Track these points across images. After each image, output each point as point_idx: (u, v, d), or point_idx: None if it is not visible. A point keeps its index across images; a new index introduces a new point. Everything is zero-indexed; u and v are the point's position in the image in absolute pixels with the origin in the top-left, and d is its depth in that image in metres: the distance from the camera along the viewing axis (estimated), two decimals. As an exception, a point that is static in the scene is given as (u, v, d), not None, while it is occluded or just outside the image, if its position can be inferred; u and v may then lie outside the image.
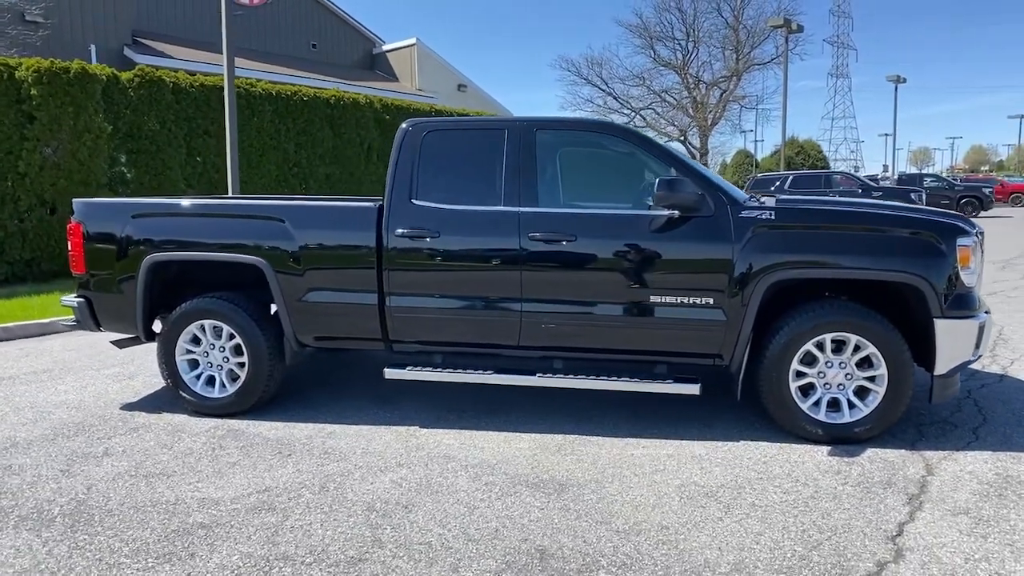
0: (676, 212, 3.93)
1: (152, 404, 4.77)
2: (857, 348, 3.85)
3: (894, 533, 2.94)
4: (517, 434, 4.12)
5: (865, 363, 3.88)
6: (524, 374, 4.22)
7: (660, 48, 36.15)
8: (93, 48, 18.12)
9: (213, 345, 4.48)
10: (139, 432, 4.23)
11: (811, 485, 3.40)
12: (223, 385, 4.48)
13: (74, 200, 4.69)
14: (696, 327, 3.96)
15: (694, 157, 31.72)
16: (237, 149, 10.37)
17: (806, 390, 3.96)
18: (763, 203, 4.05)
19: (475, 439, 4.06)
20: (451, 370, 4.27)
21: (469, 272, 4.15)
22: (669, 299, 3.95)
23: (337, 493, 3.37)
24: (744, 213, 3.92)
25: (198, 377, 4.52)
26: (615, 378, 4.10)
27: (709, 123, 34.78)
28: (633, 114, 35.75)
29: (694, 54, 35.83)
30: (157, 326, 4.74)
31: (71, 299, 4.70)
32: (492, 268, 4.11)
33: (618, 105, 36.21)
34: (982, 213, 25.72)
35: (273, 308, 4.58)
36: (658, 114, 35.85)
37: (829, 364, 3.91)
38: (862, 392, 3.91)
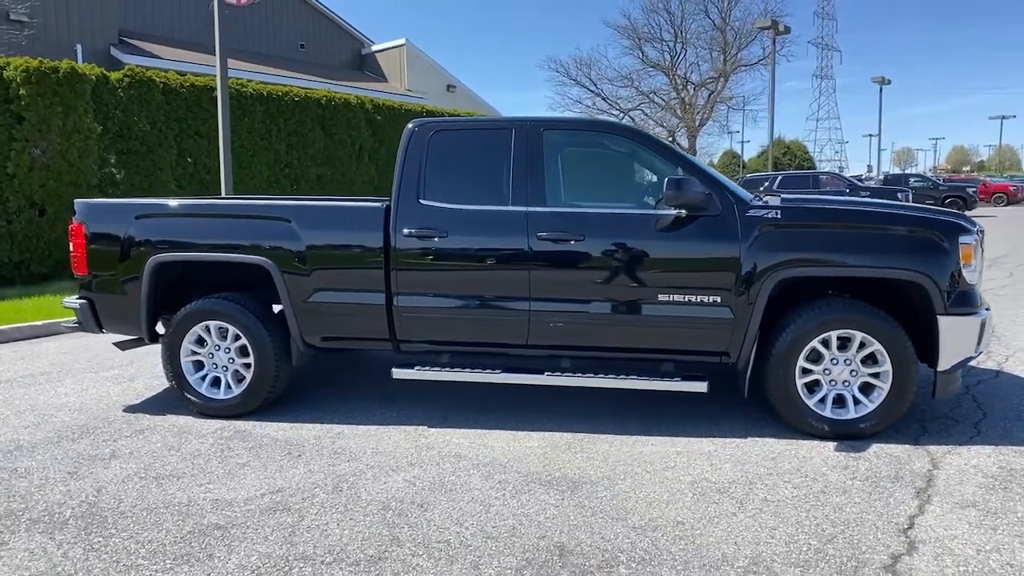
0: (683, 211, 3.96)
1: (155, 406, 4.74)
2: (862, 345, 3.91)
3: (905, 526, 2.99)
4: (526, 433, 4.14)
5: (870, 360, 3.94)
6: (532, 373, 4.23)
7: (648, 49, 36.39)
8: (79, 48, 17.94)
9: (218, 346, 4.45)
10: (145, 434, 4.20)
11: (820, 480, 3.45)
12: (229, 386, 4.46)
13: (76, 201, 4.64)
14: (704, 325, 3.99)
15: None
16: (230, 149, 10.31)
17: (812, 387, 4.01)
18: (768, 202, 4.10)
19: (484, 438, 4.07)
20: (459, 369, 4.28)
21: (478, 272, 4.16)
22: (677, 297, 3.99)
23: (351, 493, 3.37)
24: (751, 212, 3.96)
25: (203, 378, 4.49)
26: (623, 376, 4.13)
27: (697, 124, 35.00)
28: (622, 115, 35.87)
29: (682, 55, 36.09)
30: (159, 328, 4.71)
31: (73, 301, 4.66)
32: (501, 267, 4.12)
33: (607, 106, 36.38)
34: (966, 212, 26.08)
35: (276, 308, 4.57)
36: (647, 115, 36.03)
37: (835, 361, 3.96)
38: (867, 388, 3.97)
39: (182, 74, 12.43)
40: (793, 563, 2.71)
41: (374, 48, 27.58)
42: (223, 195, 10.01)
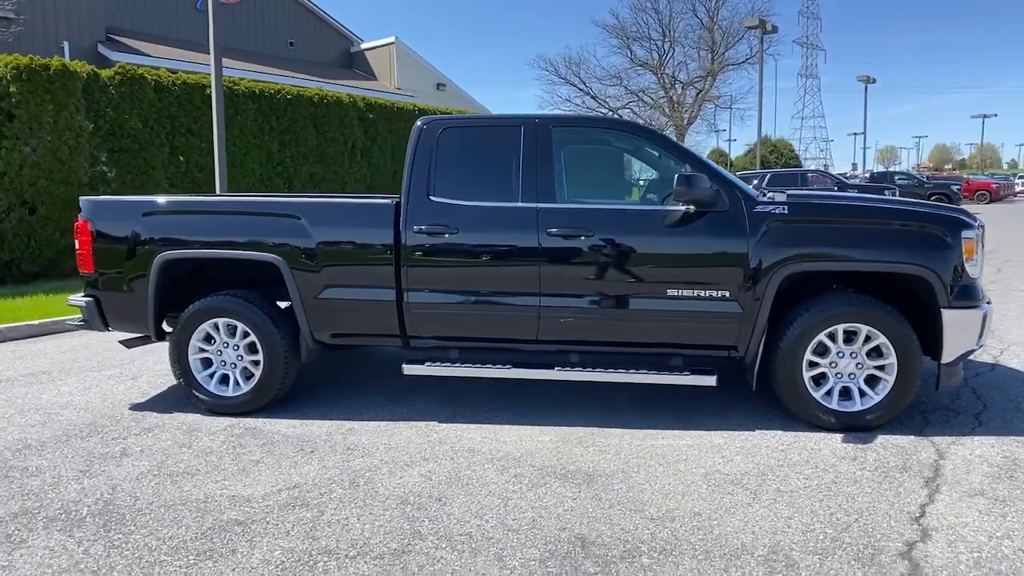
0: (692, 207, 4.00)
1: (162, 404, 4.72)
2: (868, 338, 3.97)
3: (917, 514, 3.05)
4: (537, 427, 4.17)
5: (875, 353, 4.00)
6: (542, 368, 4.26)
7: (637, 48, 36.50)
8: (66, 45, 17.76)
9: (227, 343, 4.45)
10: (154, 432, 4.19)
11: (831, 471, 3.50)
12: (237, 383, 4.45)
13: (81, 198, 4.61)
14: (713, 319, 4.04)
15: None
16: (225, 147, 10.26)
17: (818, 380, 4.07)
18: (774, 198, 4.15)
19: (496, 433, 4.10)
20: (470, 365, 4.30)
21: (488, 268, 4.18)
22: (686, 292, 4.03)
23: (368, 488, 3.38)
24: (758, 208, 4.02)
25: (211, 376, 4.48)
26: (633, 371, 4.17)
27: (685, 122, 35.19)
28: (611, 114, 35.98)
29: (670, 54, 36.23)
30: (164, 326, 4.69)
31: (79, 298, 4.63)
32: (511, 263, 4.15)
33: (596, 104, 36.43)
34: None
35: (282, 305, 4.57)
36: (635, 113, 36.09)
37: (841, 354, 4.02)
38: (872, 381, 4.03)
39: (173, 72, 12.34)
40: (811, 551, 2.76)
41: (363, 46, 27.49)
42: (217, 193, 9.96)
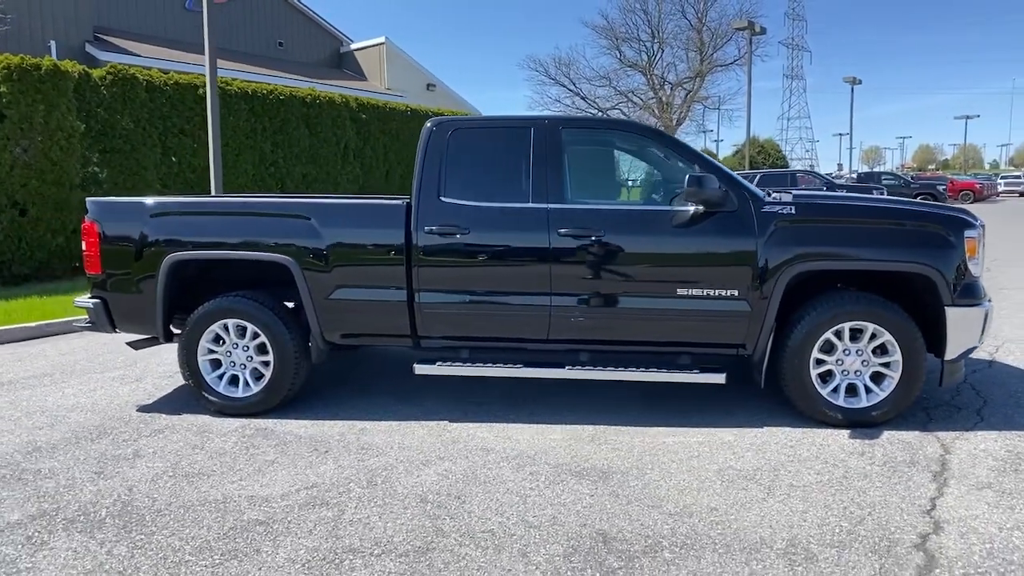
0: (701, 208, 4.06)
1: (170, 405, 4.71)
2: (873, 336, 4.04)
3: (928, 508, 3.12)
4: (548, 426, 4.20)
5: (880, 350, 4.07)
6: (553, 367, 4.30)
7: (626, 49, 36.65)
8: (53, 44, 17.57)
9: (236, 344, 4.44)
10: (165, 433, 4.18)
11: (841, 466, 3.57)
12: (247, 384, 4.45)
13: (87, 200, 4.59)
14: (722, 318, 4.10)
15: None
16: (220, 148, 10.22)
17: (825, 377, 4.13)
18: (781, 198, 4.22)
19: (507, 431, 4.13)
20: (481, 365, 4.32)
21: (500, 268, 4.22)
22: (696, 291, 4.08)
23: (386, 487, 3.40)
24: (766, 208, 4.08)
25: (220, 377, 4.48)
26: (643, 369, 4.22)
27: (674, 123, 35.37)
28: (601, 114, 36.12)
29: (659, 55, 36.42)
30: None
31: (85, 300, 4.61)
32: (522, 263, 4.19)
33: (585, 105, 36.54)
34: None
35: (290, 306, 4.57)
36: (624, 114, 36.22)
37: (847, 352, 4.09)
38: (878, 378, 4.10)
39: (164, 72, 12.26)
40: (828, 544, 2.82)
41: (353, 46, 27.41)
42: (213, 194, 9.91)
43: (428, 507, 3.19)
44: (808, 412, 4.13)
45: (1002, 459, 3.62)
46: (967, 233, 4.03)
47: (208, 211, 4.56)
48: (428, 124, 4.43)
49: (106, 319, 4.55)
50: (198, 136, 12.01)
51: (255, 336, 4.40)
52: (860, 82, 39.26)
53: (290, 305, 4.60)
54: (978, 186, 34.73)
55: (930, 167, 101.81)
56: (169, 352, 5.75)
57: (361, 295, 4.30)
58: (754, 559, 2.72)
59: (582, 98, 36.63)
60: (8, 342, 6.86)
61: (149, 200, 4.59)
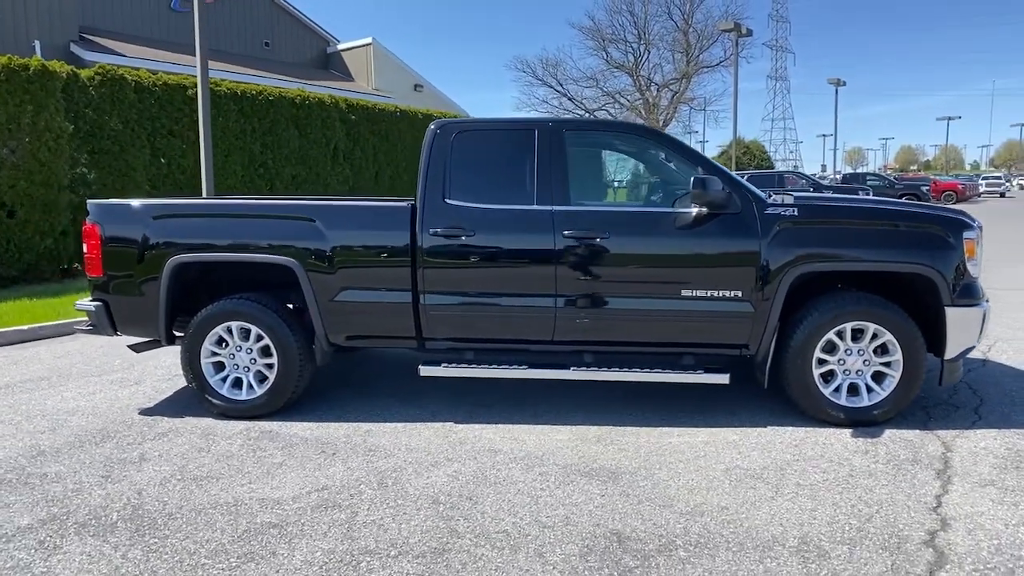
0: (705, 209, 4.10)
1: (171, 408, 4.68)
2: (875, 336, 4.10)
3: (934, 505, 3.17)
4: (553, 427, 4.23)
5: (881, 350, 4.14)
6: (557, 368, 4.32)
7: (612, 50, 36.84)
8: (37, 44, 17.31)
9: (240, 347, 4.42)
10: (169, 436, 4.16)
11: (846, 465, 3.62)
12: (251, 387, 4.43)
13: (89, 202, 4.55)
14: (726, 319, 4.14)
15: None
16: (211, 149, 10.15)
17: (827, 377, 4.19)
18: (783, 200, 4.27)
19: (513, 432, 4.15)
20: (486, 366, 4.34)
21: (505, 269, 4.23)
22: (700, 292, 4.12)
23: (397, 488, 3.41)
24: (769, 210, 4.13)
25: (224, 380, 4.46)
26: (648, 370, 4.25)
27: (661, 124, 35.56)
28: (588, 115, 36.25)
29: (645, 56, 36.64)
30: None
31: (87, 303, 4.57)
32: (528, 265, 4.21)
33: (572, 106, 36.70)
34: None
35: (293, 307, 4.56)
36: (611, 115, 36.40)
37: (849, 352, 4.15)
38: (879, 377, 4.17)
39: (152, 72, 12.16)
40: (839, 541, 2.86)
41: (340, 47, 27.29)
42: (205, 195, 9.84)
43: (441, 508, 3.20)
44: (811, 411, 4.18)
45: (1003, 457, 3.69)
46: (966, 234, 4.10)
47: (211, 213, 4.54)
48: (432, 126, 4.43)
49: (107, 322, 4.51)
50: (187, 137, 11.93)
51: (259, 338, 4.39)
52: (844, 83, 39.66)
53: (292, 307, 4.59)
54: (961, 187, 35.20)
55: (912, 168, 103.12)
56: (167, 355, 5.73)
57: (366, 297, 4.30)
58: (768, 556, 2.76)
59: (569, 99, 36.82)
60: (2, 345, 6.78)
61: (151, 202, 4.56)
